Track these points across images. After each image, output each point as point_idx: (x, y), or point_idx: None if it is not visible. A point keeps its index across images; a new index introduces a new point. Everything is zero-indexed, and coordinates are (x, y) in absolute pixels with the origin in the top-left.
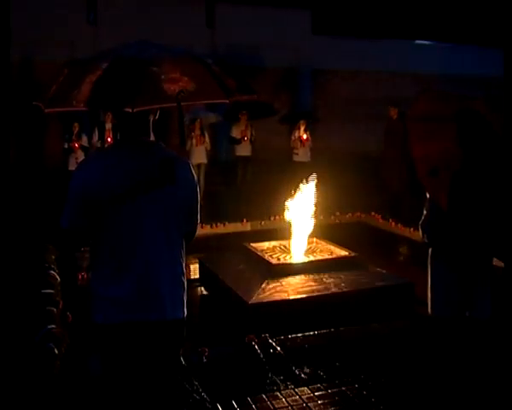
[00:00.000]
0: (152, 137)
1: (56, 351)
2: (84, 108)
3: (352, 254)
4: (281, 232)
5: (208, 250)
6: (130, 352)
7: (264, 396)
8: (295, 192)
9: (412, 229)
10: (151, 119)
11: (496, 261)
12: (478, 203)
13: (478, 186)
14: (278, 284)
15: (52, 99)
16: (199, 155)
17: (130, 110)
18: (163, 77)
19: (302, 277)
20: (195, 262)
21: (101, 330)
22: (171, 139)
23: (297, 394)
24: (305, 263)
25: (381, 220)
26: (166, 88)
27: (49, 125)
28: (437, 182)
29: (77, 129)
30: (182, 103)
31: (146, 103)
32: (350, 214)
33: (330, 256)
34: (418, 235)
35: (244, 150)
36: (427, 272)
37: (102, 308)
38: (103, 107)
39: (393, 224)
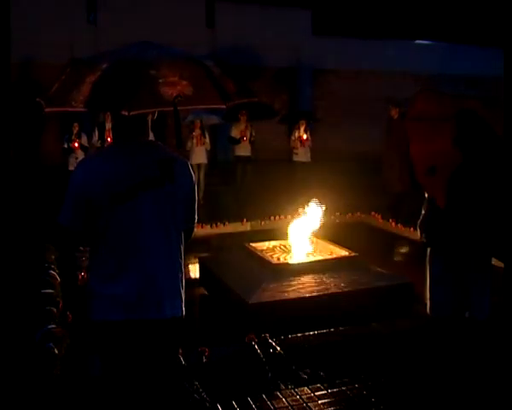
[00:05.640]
0: (151, 137)
1: (56, 351)
2: (82, 109)
3: (352, 254)
4: (281, 232)
5: (208, 250)
6: (129, 350)
7: (264, 396)
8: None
9: (412, 229)
10: (149, 119)
11: (495, 261)
12: (476, 203)
13: (476, 186)
14: (278, 284)
15: (52, 98)
16: (199, 156)
17: (127, 113)
18: (161, 80)
19: (302, 277)
20: (195, 262)
21: (100, 329)
22: (171, 139)
23: (297, 394)
24: (305, 263)
25: (380, 220)
26: (164, 92)
27: (49, 125)
28: (435, 181)
29: (77, 129)
30: (179, 107)
31: (142, 107)
32: (350, 214)
33: (330, 256)
34: (418, 235)
35: (244, 150)
36: (426, 272)
37: (101, 307)
38: (101, 108)
39: (393, 224)
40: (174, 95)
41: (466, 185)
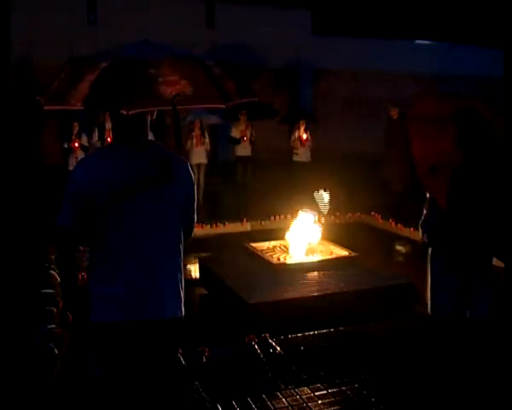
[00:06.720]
0: (150, 137)
1: (56, 351)
2: (81, 108)
3: (352, 254)
4: (281, 232)
5: (208, 250)
6: (129, 351)
7: (264, 396)
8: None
9: (412, 229)
10: (148, 119)
11: (495, 261)
12: (477, 203)
13: (477, 186)
14: (278, 284)
15: (52, 96)
16: (199, 155)
17: (125, 113)
18: (160, 79)
19: (302, 277)
20: (195, 262)
21: (100, 330)
22: (170, 139)
23: (297, 394)
24: (305, 263)
25: (380, 220)
26: (163, 91)
27: (48, 125)
28: (436, 181)
29: (76, 129)
30: (178, 107)
31: (141, 106)
32: (350, 214)
33: (330, 256)
34: (418, 235)
35: (244, 150)
36: (426, 272)
37: (101, 307)
38: (100, 107)
39: (393, 224)
40: (173, 94)
41: (467, 185)
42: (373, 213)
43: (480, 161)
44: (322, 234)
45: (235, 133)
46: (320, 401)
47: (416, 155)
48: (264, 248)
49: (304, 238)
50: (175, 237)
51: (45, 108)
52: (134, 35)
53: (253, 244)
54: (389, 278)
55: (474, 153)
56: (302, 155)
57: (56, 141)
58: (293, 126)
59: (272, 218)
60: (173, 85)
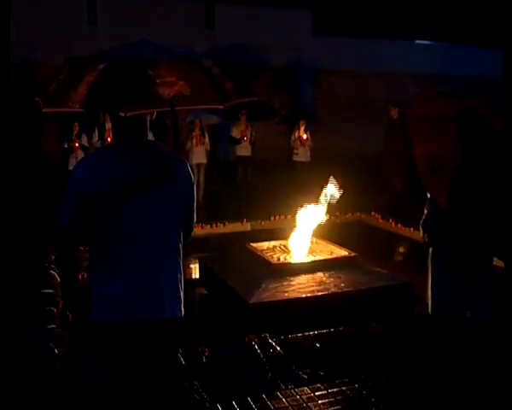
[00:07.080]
0: (150, 137)
1: (56, 351)
2: (79, 110)
3: (352, 254)
4: (281, 232)
5: (208, 250)
6: (128, 351)
7: (264, 396)
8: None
9: (412, 229)
10: (148, 119)
11: (496, 261)
12: (478, 203)
13: (478, 185)
14: (278, 284)
15: (50, 98)
16: (199, 155)
17: (123, 115)
18: (158, 80)
19: (302, 277)
20: (195, 262)
21: (100, 330)
22: (170, 139)
23: (297, 394)
24: (305, 263)
25: (380, 220)
26: (161, 92)
27: (49, 125)
28: (437, 181)
29: (77, 129)
30: (177, 108)
31: (139, 108)
32: (350, 214)
33: (330, 256)
34: (418, 235)
35: (244, 150)
36: (427, 272)
37: (101, 307)
38: (99, 109)
39: (393, 224)
40: (171, 95)
41: (467, 185)
42: (373, 213)
43: (480, 161)
44: (323, 234)
45: (235, 133)
46: (320, 401)
47: (417, 155)
48: (264, 248)
49: (308, 236)
50: (175, 237)
51: (44, 110)
52: (134, 35)
53: (253, 244)
54: (389, 278)
55: (474, 153)
56: (302, 155)
57: (57, 141)
58: (293, 126)
59: (272, 218)
60: (171, 86)
